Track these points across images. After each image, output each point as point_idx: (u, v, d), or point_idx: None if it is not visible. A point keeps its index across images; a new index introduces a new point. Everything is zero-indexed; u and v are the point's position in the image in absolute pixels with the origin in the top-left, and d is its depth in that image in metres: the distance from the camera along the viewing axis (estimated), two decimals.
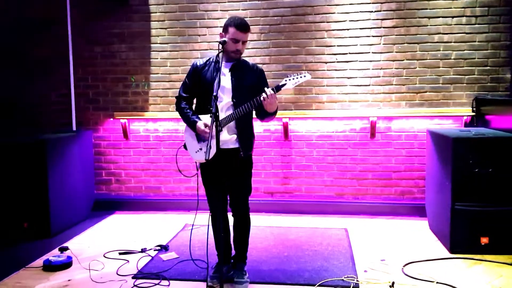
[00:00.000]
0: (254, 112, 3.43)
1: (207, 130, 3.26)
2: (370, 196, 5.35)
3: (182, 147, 3.57)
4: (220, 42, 3.22)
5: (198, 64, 3.44)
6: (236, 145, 3.36)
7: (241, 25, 3.25)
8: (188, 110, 3.44)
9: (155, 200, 5.71)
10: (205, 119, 3.32)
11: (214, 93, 2.97)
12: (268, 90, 3.14)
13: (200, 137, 3.38)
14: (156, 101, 5.60)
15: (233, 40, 3.26)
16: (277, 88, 3.19)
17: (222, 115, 3.23)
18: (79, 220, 5.26)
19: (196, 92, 3.47)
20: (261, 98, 3.15)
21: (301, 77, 3.20)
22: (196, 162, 3.50)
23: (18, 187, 4.68)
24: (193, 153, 3.45)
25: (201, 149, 3.38)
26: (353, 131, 5.30)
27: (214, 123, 2.88)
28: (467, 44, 5.04)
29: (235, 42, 3.27)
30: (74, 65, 5.67)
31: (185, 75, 3.52)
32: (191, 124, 3.38)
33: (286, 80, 3.21)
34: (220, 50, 3.19)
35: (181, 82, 3.56)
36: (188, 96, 3.49)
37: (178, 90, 3.55)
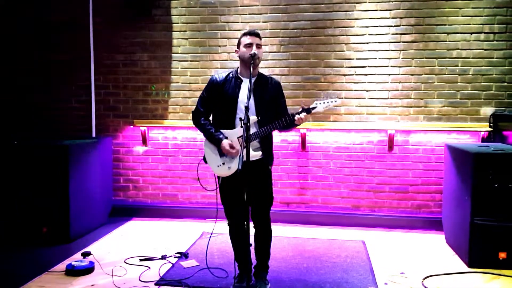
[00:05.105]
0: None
1: (233, 151, 3.32)
2: (386, 209, 5.37)
3: (202, 160, 3.59)
4: (250, 55, 3.28)
5: (218, 79, 3.47)
6: (259, 157, 3.41)
7: (250, 31, 3.41)
8: (210, 126, 3.46)
9: (172, 207, 5.75)
10: (229, 135, 3.38)
11: (245, 104, 3.01)
12: (303, 114, 3.26)
13: (224, 152, 3.40)
14: (175, 110, 5.67)
15: (247, 45, 3.35)
16: (307, 111, 3.29)
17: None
18: (97, 225, 5.31)
19: (214, 106, 3.51)
20: (295, 118, 3.25)
21: (331, 101, 3.30)
22: (215, 176, 3.54)
23: (39, 191, 4.72)
24: (214, 168, 3.47)
25: (223, 163, 3.41)
26: (371, 144, 5.34)
27: (245, 133, 2.92)
28: (485, 60, 5.09)
29: (249, 47, 3.35)
30: (96, 72, 5.76)
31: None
32: (216, 142, 3.39)
33: (316, 104, 3.29)
34: (251, 62, 3.25)
35: (199, 96, 3.59)
36: (206, 110, 3.52)
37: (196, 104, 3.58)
